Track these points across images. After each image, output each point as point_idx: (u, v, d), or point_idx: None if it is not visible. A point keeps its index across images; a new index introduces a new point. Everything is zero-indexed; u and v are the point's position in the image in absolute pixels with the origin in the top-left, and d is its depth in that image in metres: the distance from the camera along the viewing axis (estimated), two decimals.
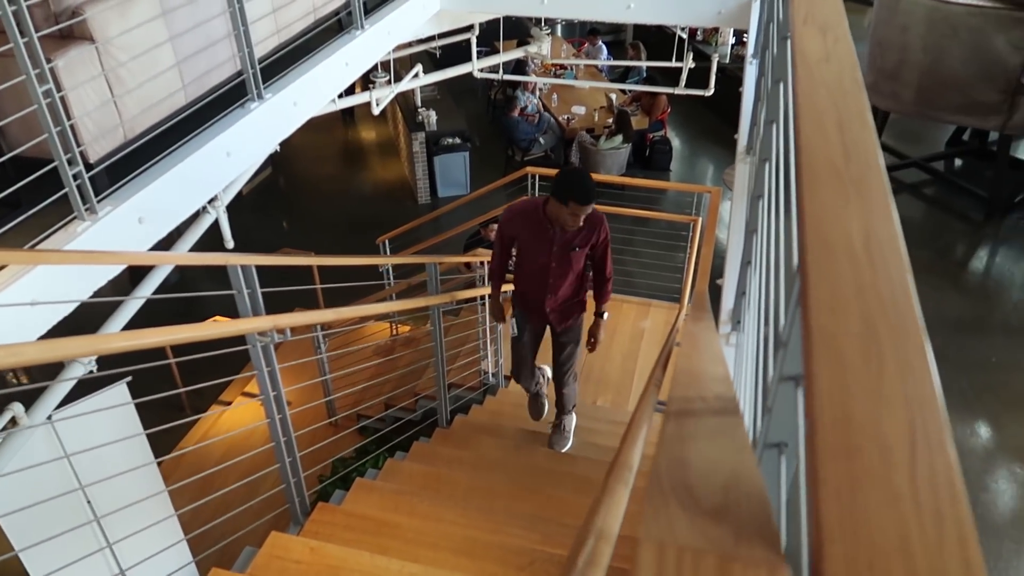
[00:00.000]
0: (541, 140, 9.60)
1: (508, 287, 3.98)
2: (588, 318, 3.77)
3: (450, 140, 9.10)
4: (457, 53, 6.84)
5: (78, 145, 2.61)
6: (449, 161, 9.21)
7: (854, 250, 0.62)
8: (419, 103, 9.38)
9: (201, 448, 5.27)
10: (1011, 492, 3.35)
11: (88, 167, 2.72)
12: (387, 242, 6.82)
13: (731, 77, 9.10)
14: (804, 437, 0.46)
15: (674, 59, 6.37)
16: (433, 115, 9.15)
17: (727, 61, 10.20)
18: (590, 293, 3.71)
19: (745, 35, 10.31)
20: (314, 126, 3.59)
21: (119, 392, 2.99)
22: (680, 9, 5.02)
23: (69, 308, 2.55)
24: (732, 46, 10.61)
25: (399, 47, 5.53)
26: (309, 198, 9.87)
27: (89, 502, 2.56)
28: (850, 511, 0.41)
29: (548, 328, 3.83)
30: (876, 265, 0.60)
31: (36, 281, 2.46)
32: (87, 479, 2.50)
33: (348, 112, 11.33)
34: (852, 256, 0.61)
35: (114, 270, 2.76)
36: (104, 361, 2.54)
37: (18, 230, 2.58)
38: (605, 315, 3.69)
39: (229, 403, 6.53)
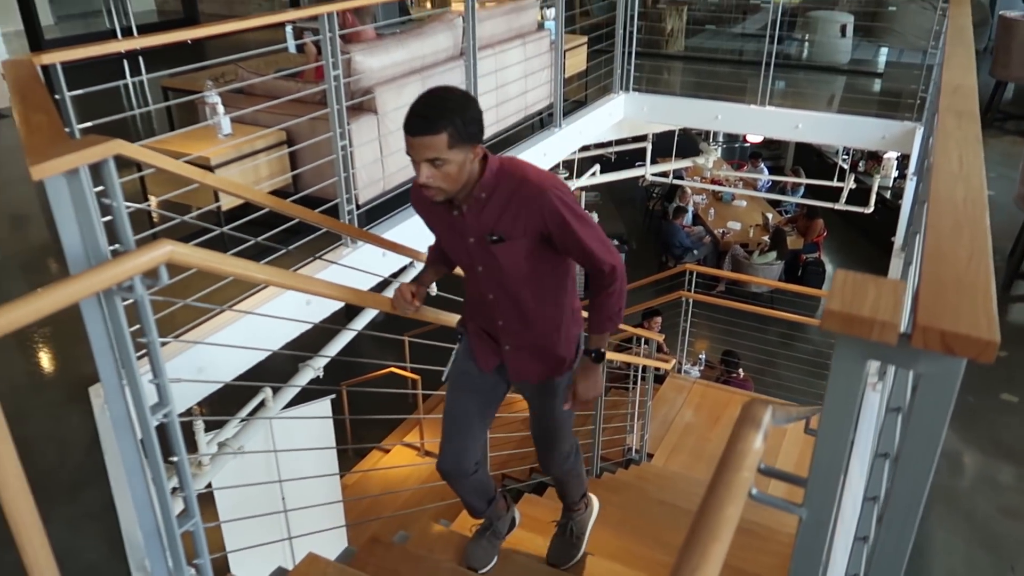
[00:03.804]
0: (695, 251, 10.09)
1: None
2: None
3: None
4: (622, 164, 7.61)
5: (355, 189, 3.42)
6: None
7: (956, 202, 1.12)
8: (584, 205, 10.19)
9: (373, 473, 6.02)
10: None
11: (357, 207, 3.52)
12: None
13: (890, 208, 9.28)
14: (921, 250, 0.96)
15: (835, 180, 6.78)
16: (595, 217, 9.90)
17: (888, 191, 10.29)
18: None
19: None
20: None
21: (325, 405, 3.71)
22: (846, 131, 5.49)
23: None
24: (894, 179, 10.63)
25: (580, 148, 6.30)
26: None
27: (283, 498, 3.22)
28: (937, 261, 0.90)
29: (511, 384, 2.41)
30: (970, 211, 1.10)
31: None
32: (284, 474, 3.21)
33: None
34: (955, 208, 1.11)
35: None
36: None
37: (299, 251, 3.36)
38: (602, 352, 2.11)
39: (388, 450, 7.25)
